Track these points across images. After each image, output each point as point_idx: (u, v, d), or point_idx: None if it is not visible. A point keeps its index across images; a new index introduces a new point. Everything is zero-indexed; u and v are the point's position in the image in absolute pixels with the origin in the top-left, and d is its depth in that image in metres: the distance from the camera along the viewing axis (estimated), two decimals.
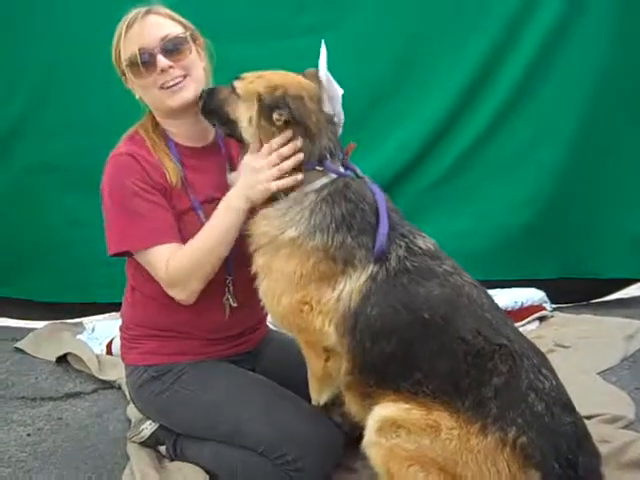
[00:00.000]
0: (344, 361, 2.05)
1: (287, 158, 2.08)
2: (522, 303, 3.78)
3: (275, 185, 2.08)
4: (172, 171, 2.29)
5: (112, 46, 2.31)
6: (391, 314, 1.96)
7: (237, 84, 2.16)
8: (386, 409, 1.93)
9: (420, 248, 2.04)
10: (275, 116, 2.06)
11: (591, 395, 2.68)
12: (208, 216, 2.25)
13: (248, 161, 2.15)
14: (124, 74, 2.32)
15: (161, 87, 2.26)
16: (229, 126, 2.21)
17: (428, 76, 3.82)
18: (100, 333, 3.75)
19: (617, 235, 3.94)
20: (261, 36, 3.69)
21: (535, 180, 3.87)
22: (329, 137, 2.12)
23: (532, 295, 3.85)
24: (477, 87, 3.82)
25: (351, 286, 2.00)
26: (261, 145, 2.12)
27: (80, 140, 3.73)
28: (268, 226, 2.09)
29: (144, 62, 2.23)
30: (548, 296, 3.90)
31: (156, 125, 2.38)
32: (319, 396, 2.21)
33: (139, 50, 2.22)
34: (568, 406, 1.90)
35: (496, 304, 2.07)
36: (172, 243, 2.24)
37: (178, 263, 2.21)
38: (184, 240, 2.26)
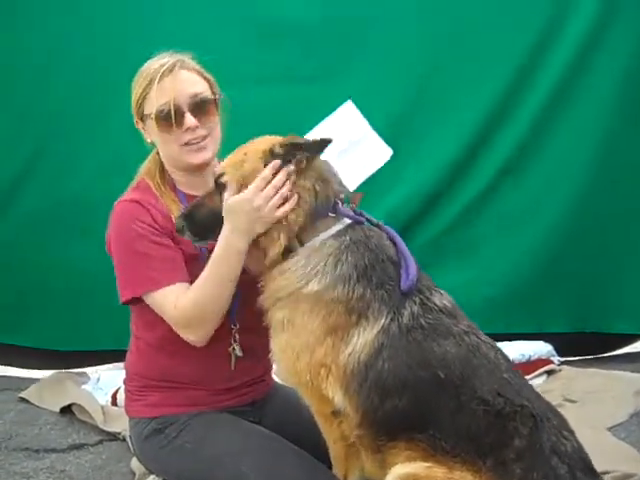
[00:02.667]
0: (352, 415, 2.02)
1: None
2: (530, 356, 3.76)
3: (281, 212, 2.07)
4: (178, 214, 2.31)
5: (135, 90, 2.33)
6: (404, 370, 1.94)
7: (225, 175, 2.13)
8: (406, 467, 1.89)
9: (436, 305, 2.02)
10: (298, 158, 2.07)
11: (600, 451, 2.61)
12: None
13: (237, 203, 2.10)
14: (142, 120, 2.35)
15: (183, 144, 2.29)
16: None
17: (435, 127, 3.84)
18: (105, 383, 3.74)
19: (625, 289, 3.94)
20: (267, 81, 3.73)
21: (543, 233, 3.88)
22: (339, 182, 2.15)
23: (540, 348, 3.83)
24: (484, 139, 3.85)
25: (364, 338, 1.98)
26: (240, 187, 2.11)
27: (87, 187, 3.78)
28: (287, 280, 2.08)
29: (172, 117, 2.25)
30: (556, 349, 3.88)
31: (162, 172, 2.41)
32: (345, 478, 2.19)
33: (169, 104, 2.24)
34: (590, 469, 1.88)
35: (513, 364, 2.06)
36: (181, 283, 2.25)
37: (186, 305, 2.21)
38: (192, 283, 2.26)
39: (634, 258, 3.91)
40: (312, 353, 2.04)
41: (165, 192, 2.35)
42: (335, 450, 2.18)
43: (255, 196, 2.08)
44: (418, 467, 1.87)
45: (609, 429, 3.06)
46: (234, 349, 2.38)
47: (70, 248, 3.83)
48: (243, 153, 2.15)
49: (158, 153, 2.43)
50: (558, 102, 3.79)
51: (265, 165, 2.09)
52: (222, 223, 2.12)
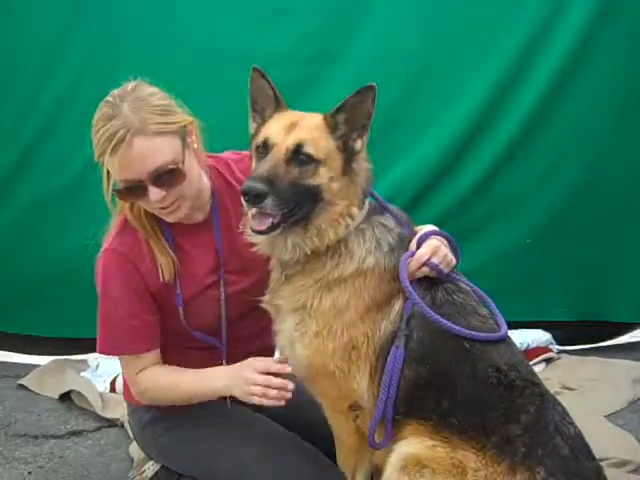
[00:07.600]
0: (375, 387, 2.01)
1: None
2: (528, 344, 3.78)
3: (258, 401, 2.08)
4: (165, 267, 2.22)
5: (94, 143, 2.07)
6: (431, 338, 1.98)
7: (308, 150, 1.94)
8: (410, 446, 1.90)
9: (467, 285, 2.11)
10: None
11: (598, 439, 2.62)
12: (188, 314, 2.26)
13: (245, 363, 2.14)
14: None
15: (154, 208, 2.17)
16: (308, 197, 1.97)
17: (434, 109, 3.77)
18: (104, 370, 3.75)
19: (626, 278, 3.93)
20: (264, 64, 3.69)
21: (544, 221, 3.85)
22: None
23: (538, 337, 3.85)
24: (484, 123, 3.77)
25: (398, 306, 2.02)
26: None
27: (83, 174, 3.75)
28: (344, 261, 2.04)
29: (135, 191, 2.09)
30: (555, 338, 3.88)
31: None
32: (353, 470, 2.17)
33: (129, 181, 2.06)
34: (590, 453, 1.90)
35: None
36: (146, 353, 2.26)
37: (149, 385, 2.27)
38: (165, 333, 2.29)
39: (635, 246, 3.89)
40: (352, 325, 2.00)
41: (151, 234, 2.22)
42: (347, 443, 2.16)
43: (252, 371, 2.09)
44: (422, 446, 1.88)
45: (607, 416, 3.07)
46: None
47: (69, 235, 3.81)
48: (307, 128, 1.98)
49: None
50: (560, 89, 3.71)
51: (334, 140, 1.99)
52: (307, 198, 1.95)
